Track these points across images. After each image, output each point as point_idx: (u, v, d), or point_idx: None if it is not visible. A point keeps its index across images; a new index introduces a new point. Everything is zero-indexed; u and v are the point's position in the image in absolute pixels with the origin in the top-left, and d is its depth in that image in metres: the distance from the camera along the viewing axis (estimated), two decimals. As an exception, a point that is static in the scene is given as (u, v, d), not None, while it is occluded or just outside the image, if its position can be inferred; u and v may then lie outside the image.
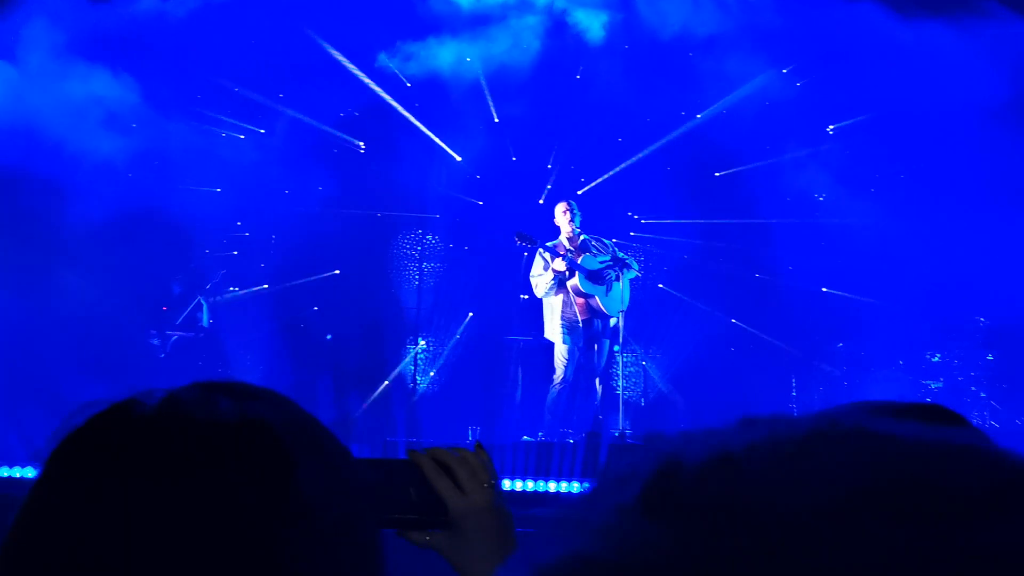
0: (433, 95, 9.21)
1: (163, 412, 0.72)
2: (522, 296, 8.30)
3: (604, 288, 7.19)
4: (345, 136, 9.31)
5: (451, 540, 1.24)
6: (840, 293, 8.80)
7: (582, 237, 7.27)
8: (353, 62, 9.16)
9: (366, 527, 0.76)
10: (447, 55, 9.15)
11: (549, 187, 9.19)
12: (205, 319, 8.81)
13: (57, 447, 0.72)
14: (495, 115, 9.29)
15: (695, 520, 0.34)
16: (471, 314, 9.22)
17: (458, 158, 9.32)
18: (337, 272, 9.17)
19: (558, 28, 9.25)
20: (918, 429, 0.37)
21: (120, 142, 8.32)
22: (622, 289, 7.28)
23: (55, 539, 0.67)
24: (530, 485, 6.00)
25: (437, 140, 9.27)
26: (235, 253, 9.11)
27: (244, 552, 0.66)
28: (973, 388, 8.19)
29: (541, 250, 7.16)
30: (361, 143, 9.40)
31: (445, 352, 9.24)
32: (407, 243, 9.40)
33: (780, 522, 0.33)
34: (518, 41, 9.16)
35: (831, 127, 9.08)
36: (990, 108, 8.18)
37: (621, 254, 7.34)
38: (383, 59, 9.22)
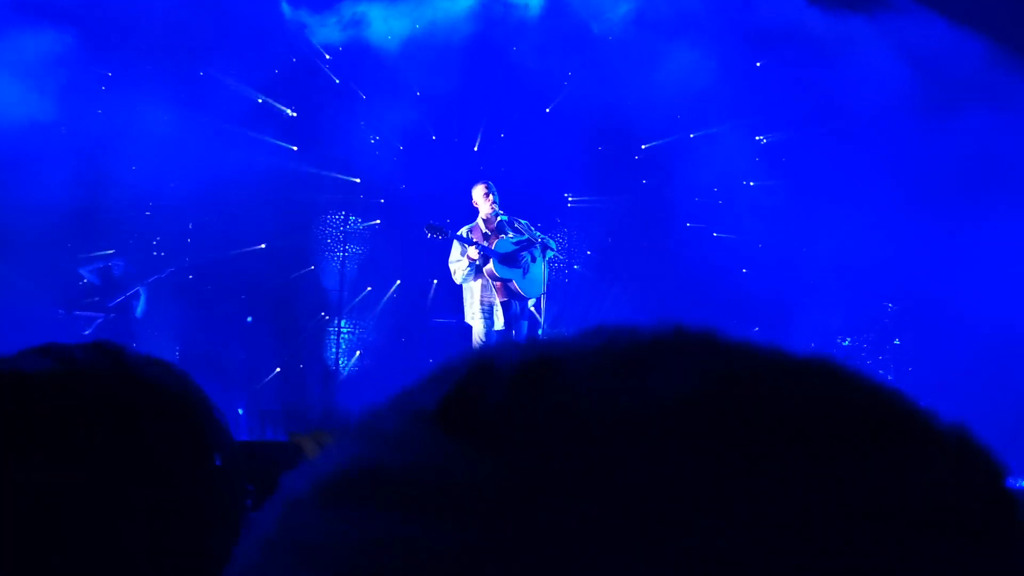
0: (358, 64, 9.15)
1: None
2: (433, 281, 8.29)
3: (520, 271, 7.21)
4: (274, 103, 9.14)
5: None
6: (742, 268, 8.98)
7: (499, 218, 7.27)
8: (273, 22, 9.00)
9: (234, 508, 0.74)
10: (377, 22, 9.11)
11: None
12: (140, 309, 8.63)
13: None
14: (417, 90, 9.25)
15: (496, 427, 0.30)
16: (394, 289, 9.18)
17: (374, 139, 9.26)
18: (263, 247, 9.01)
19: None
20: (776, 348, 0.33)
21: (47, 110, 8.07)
22: (543, 271, 7.30)
23: None
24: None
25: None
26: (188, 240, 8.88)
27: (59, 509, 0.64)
28: (881, 372, 8.44)
29: (455, 239, 7.15)
30: (290, 109, 9.24)
31: (367, 336, 9.19)
32: (329, 223, 9.31)
33: (589, 431, 0.29)
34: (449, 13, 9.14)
35: (758, 63, 9.13)
36: (897, 100, 8.42)
37: (539, 235, 7.35)
38: (306, 20, 9.09)
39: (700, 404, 0.30)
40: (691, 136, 9.25)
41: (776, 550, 0.27)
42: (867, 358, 8.51)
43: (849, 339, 8.56)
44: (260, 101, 9.09)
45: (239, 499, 0.74)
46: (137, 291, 8.58)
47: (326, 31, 9.24)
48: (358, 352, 9.11)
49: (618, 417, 0.30)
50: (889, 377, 8.37)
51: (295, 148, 9.17)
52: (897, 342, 8.52)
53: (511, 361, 0.32)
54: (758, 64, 9.12)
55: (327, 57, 9.33)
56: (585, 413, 0.30)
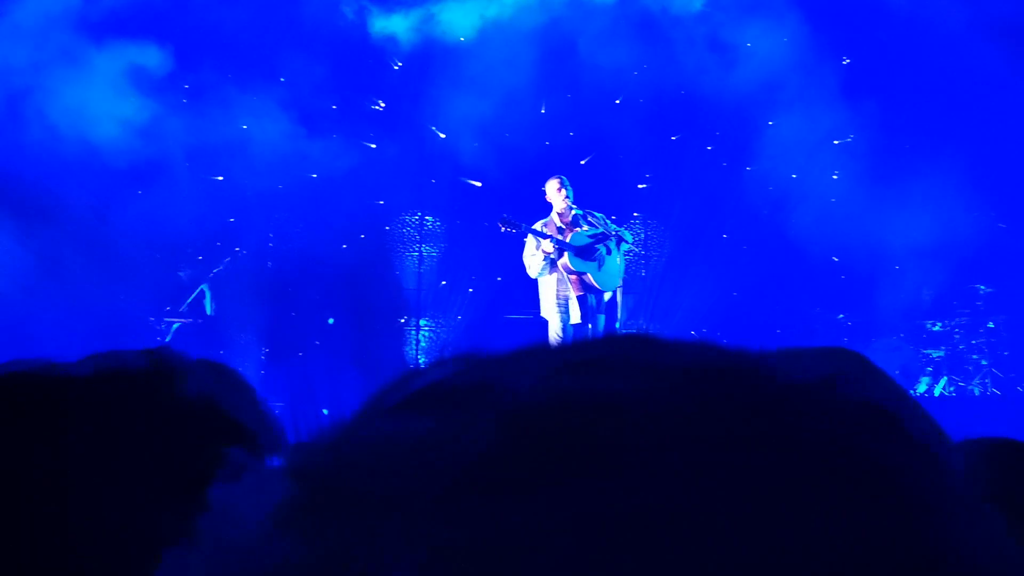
0: (428, 61, 9.19)
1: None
2: (498, 279, 8.28)
3: (596, 264, 7.15)
4: (351, 102, 9.24)
5: None
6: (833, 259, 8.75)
7: (574, 212, 7.23)
8: (337, 23, 9.11)
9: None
10: (446, 18, 9.15)
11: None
12: (208, 306, 8.80)
13: None
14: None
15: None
16: (471, 290, 9.22)
17: (442, 135, 9.29)
18: (345, 247, 9.12)
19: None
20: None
21: (119, 123, 8.31)
22: (618, 263, 7.24)
23: None
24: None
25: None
26: (237, 250, 9.07)
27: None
28: (975, 356, 8.13)
29: (530, 233, 7.13)
30: (381, 102, 9.33)
31: (444, 333, 9.24)
32: (405, 224, 9.39)
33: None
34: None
35: (845, 59, 8.89)
36: (988, 76, 8.10)
37: (615, 227, 7.29)
38: (376, 19, 9.18)
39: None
40: (769, 123, 9.05)
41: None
42: (960, 342, 8.21)
43: (940, 323, 8.27)
44: (334, 107, 9.21)
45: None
46: (201, 289, 8.73)
47: (396, 28, 9.30)
48: (435, 352, 9.17)
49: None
50: (984, 362, 8.08)
51: (373, 146, 9.25)
52: (991, 325, 8.19)
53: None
54: (845, 61, 8.87)
55: (398, 64, 9.40)
56: None
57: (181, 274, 8.80)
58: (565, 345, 0.38)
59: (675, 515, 0.29)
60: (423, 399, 0.37)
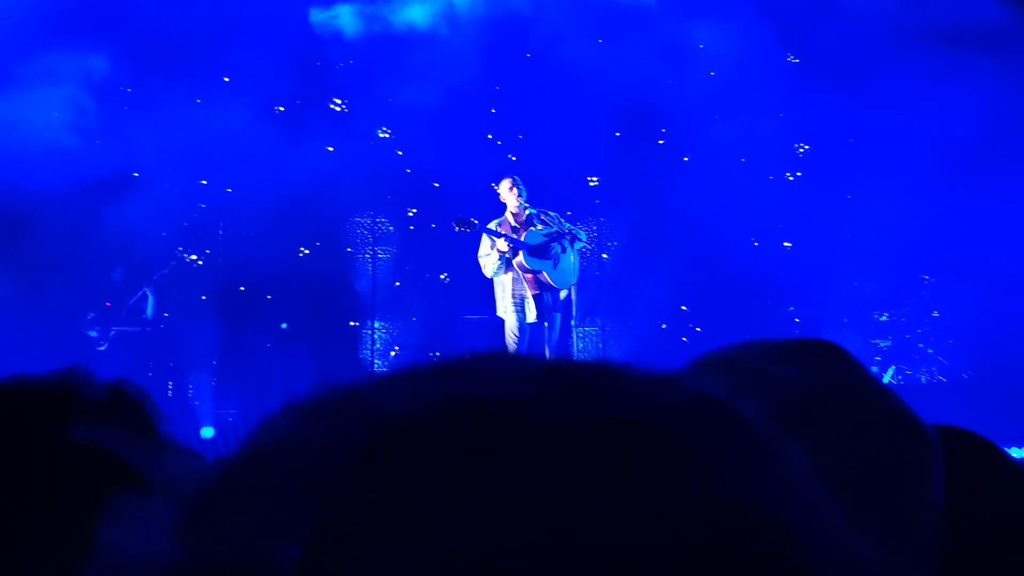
0: (375, 60, 9.15)
1: None
2: (441, 276, 8.28)
3: (551, 262, 7.19)
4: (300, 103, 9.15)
5: None
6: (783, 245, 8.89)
7: (527, 211, 7.26)
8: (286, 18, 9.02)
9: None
10: (393, 14, 9.12)
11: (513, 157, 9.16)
12: (149, 310, 8.59)
13: None
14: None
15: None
16: (424, 286, 9.20)
17: (383, 134, 9.26)
18: (299, 250, 9.02)
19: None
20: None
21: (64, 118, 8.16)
22: (572, 262, 7.28)
23: None
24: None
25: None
26: (180, 250, 8.93)
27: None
28: (920, 345, 8.33)
29: (484, 232, 7.14)
30: (339, 101, 9.25)
31: (399, 334, 9.21)
32: (357, 224, 9.33)
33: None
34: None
35: (792, 57, 9.03)
36: (927, 68, 8.28)
37: (568, 226, 7.33)
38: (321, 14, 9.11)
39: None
40: (716, 118, 9.16)
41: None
42: (906, 331, 8.40)
43: (887, 314, 8.46)
44: (280, 109, 9.12)
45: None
46: (144, 292, 8.57)
47: (342, 22, 9.23)
48: (393, 351, 9.14)
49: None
50: (929, 351, 8.27)
51: (331, 149, 9.16)
52: (936, 314, 8.40)
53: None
54: (791, 59, 8.99)
55: (349, 62, 9.34)
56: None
57: (116, 277, 8.61)
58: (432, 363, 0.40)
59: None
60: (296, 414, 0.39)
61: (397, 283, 9.27)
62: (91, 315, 8.31)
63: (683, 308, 9.07)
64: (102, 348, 8.31)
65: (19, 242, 8.01)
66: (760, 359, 0.86)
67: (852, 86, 8.76)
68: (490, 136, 9.26)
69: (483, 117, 9.21)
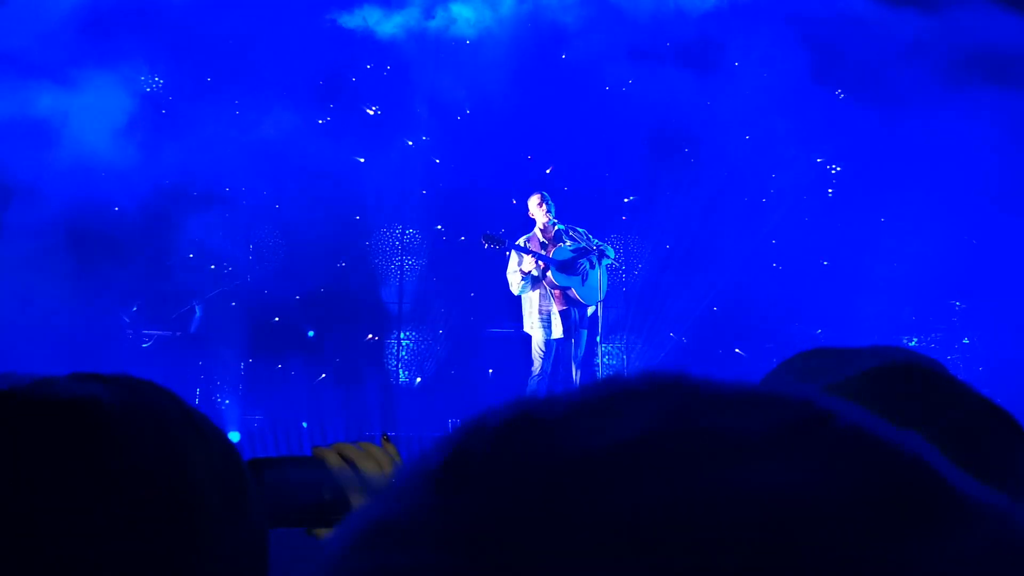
0: (407, 74, 9.20)
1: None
2: (468, 290, 8.31)
3: (579, 278, 7.19)
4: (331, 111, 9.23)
5: None
6: (818, 260, 8.83)
7: (556, 227, 7.27)
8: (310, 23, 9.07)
9: (246, 526, 0.73)
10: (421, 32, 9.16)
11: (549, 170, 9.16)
12: (195, 325, 8.74)
13: None
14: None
15: (482, 478, 0.34)
16: (444, 308, 9.21)
17: (409, 143, 9.30)
18: (326, 259, 9.07)
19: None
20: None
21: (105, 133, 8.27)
22: (600, 278, 7.28)
23: None
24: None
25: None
26: (228, 268, 9.00)
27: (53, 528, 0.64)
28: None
29: (513, 249, 7.16)
30: (375, 108, 9.29)
31: (425, 346, 9.24)
32: (385, 237, 9.38)
33: (565, 470, 0.33)
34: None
35: (839, 92, 9.02)
36: (964, 97, 8.23)
37: (596, 241, 7.33)
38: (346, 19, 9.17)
39: (657, 439, 0.33)
40: (747, 137, 9.13)
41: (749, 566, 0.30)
42: (935, 357, 8.29)
43: (916, 339, 8.38)
44: (322, 122, 9.17)
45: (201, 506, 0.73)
46: (192, 307, 8.69)
47: (374, 32, 9.29)
48: (417, 380, 9.16)
49: (582, 457, 0.33)
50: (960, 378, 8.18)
51: (362, 160, 9.23)
52: (966, 341, 8.31)
53: (497, 418, 0.36)
54: (839, 94, 8.93)
55: (378, 72, 9.41)
56: (556, 455, 0.34)
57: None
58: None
59: None
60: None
61: (427, 299, 9.28)
62: (134, 308, 8.45)
63: (708, 328, 9.03)
64: (146, 345, 8.42)
65: (69, 251, 8.16)
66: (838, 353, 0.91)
67: (885, 107, 8.71)
68: (529, 157, 9.28)
69: (516, 130, 9.24)
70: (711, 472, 0.32)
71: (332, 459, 1.23)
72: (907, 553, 0.30)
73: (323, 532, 1.23)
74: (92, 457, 0.67)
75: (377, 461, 1.25)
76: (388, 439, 1.30)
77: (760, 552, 0.30)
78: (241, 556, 0.73)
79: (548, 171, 9.20)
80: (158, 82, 8.80)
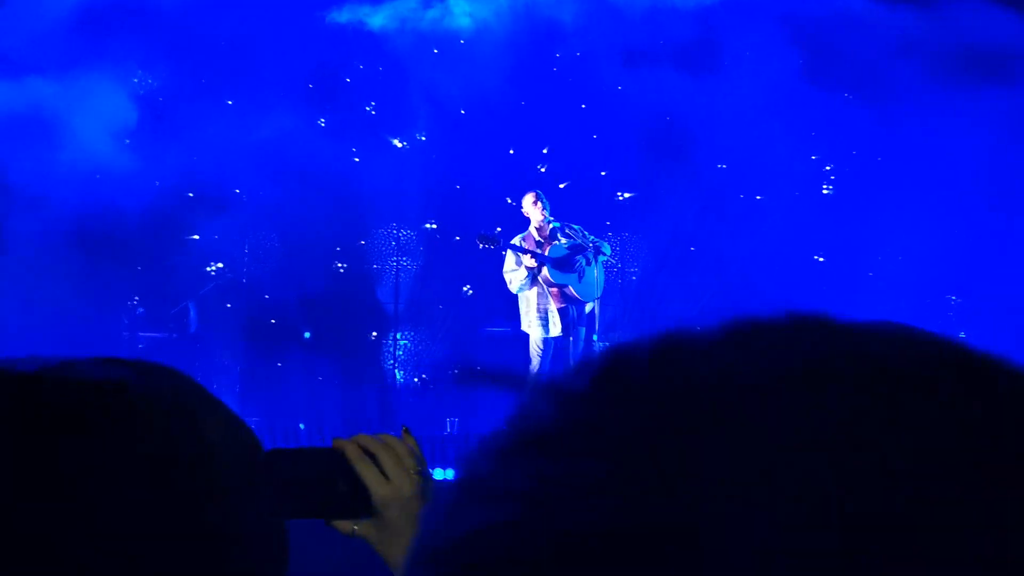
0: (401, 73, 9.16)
1: (20, 375, 0.70)
2: (464, 288, 8.30)
3: (576, 275, 7.19)
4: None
5: (377, 529, 1.22)
6: (816, 258, 8.85)
7: (551, 225, 7.27)
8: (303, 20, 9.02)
9: (265, 516, 0.74)
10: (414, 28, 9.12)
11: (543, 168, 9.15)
12: (192, 324, 8.74)
13: None
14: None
15: (637, 393, 0.35)
16: (440, 306, 9.21)
17: (399, 144, 9.26)
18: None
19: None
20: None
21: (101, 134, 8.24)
22: (596, 275, 7.29)
23: None
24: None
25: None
26: (213, 266, 8.97)
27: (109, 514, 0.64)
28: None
29: (509, 248, 7.16)
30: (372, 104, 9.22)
31: (423, 347, 9.23)
32: (381, 235, 9.37)
33: (732, 395, 0.34)
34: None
35: (846, 94, 9.01)
36: (962, 92, 8.26)
37: (592, 238, 7.33)
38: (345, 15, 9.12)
39: (817, 367, 0.35)
40: (742, 134, 9.12)
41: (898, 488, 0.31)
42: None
43: (912, 334, 8.39)
44: (322, 123, 9.13)
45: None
46: (185, 305, 8.66)
47: (368, 30, 9.25)
48: (417, 379, 9.14)
49: (737, 382, 0.35)
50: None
51: (357, 160, 9.19)
52: (962, 335, 8.32)
53: (645, 344, 0.38)
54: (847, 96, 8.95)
55: (371, 71, 9.39)
56: (708, 379, 0.35)
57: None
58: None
59: None
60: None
61: (423, 298, 9.26)
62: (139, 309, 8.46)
63: (705, 323, 9.01)
64: (142, 346, 8.42)
65: (68, 252, 8.15)
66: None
67: (880, 104, 8.73)
68: (511, 151, 9.26)
69: (511, 128, 9.23)
70: (876, 401, 0.33)
71: (352, 451, 1.23)
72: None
73: (342, 524, 1.23)
74: (120, 440, 0.67)
75: (397, 455, 1.24)
76: (408, 432, 1.30)
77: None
78: (264, 542, 0.73)
79: (542, 168, 9.19)
80: (152, 83, 8.77)
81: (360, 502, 1.22)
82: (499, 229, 7.16)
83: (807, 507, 0.31)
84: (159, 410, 0.70)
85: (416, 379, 9.06)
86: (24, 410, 0.67)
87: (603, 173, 9.25)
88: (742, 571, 0.30)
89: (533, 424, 0.36)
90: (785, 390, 0.34)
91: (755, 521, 0.31)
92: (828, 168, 9.19)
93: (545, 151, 9.31)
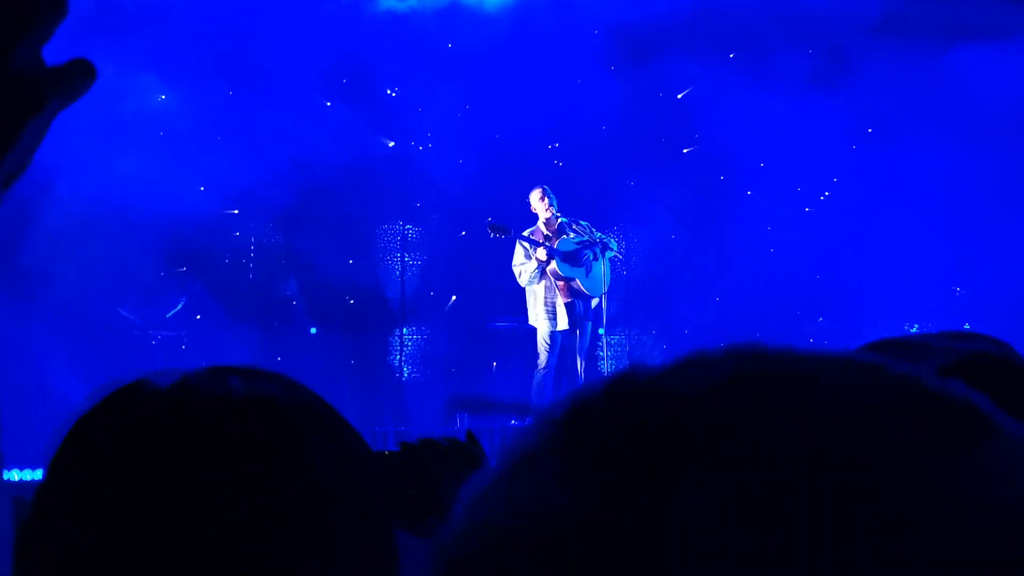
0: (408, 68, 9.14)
1: (175, 390, 0.72)
2: (470, 283, 8.32)
3: (583, 270, 7.22)
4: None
5: None
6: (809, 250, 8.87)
7: (559, 220, 7.30)
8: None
9: (380, 519, 0.75)
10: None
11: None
12: (172, 313, 8.69)
13: (71, 427, 0.71)
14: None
15: (601, 423, 0.40)
16: (454, 297, 9.22)
17: (391, 143, 9.25)
18: (328, 255, 9.03)
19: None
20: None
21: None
22: (603, 270, 7.31)
23: (73, 516, 0.67)
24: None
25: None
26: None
27: (252, 528, 0.67)
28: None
29: (519, 240, 7.18)
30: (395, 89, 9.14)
31: (429, 340, 9.25)
32: (387, 231, 9.37)
33: (674, 408, 0.39)
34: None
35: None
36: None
37: (599, 234, 7.36)
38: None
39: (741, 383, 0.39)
40: (749, 129, 9.13)
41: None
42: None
43: (917, 325, 8.43)
44: (328, 104, 9.11)
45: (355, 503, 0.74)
46: (180, 303, 8.64)
47: (378, 25, 9.23)
48: (422, 363, 9.16)
49: (683, 400, 0.39)
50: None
51: (392, 143, 9.17)
52: (967, 327, 8.35)
53: (604, 381, 0.42)
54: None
55: (378, 63, 9.38)
56: (658, 403, 0.39)
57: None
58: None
59: None
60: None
61: (431, 293, 9.27)
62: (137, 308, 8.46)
63: (711, 318, 9.06)
64: (154, 343, 8.42)
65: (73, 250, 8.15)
66: (924, 339, 0.93)
67: (883, 100, 8.76)
68: (497, 135, 9.24)
69: (517, 124, 9.22)
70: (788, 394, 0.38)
71: (420, 454, 1.24)
72: (949, 464, 0.36)
73: (417, 527, 1.21)
74: (271, 458, 0.70)
75: (464, 456, 1.25)
76: (472, 435, 1.32)
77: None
78: (383, 556, 0.75)
79: (559, 164, 9.21)
80: (158, 80, 8.77)
81: (433, 504, 1.21)
82: (510, 228, 7.15)
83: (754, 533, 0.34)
84: (304, 427, 0.73)
85: (421, 374, 9.08)
86: (166, 431, 0.69)
87: (610, 168, 9.26)
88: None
89: (522, 452, 0.41)
90: (729, 431, 0.37)
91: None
92: (832, 162, 9.20)
93: (551, 146, 9.33)
